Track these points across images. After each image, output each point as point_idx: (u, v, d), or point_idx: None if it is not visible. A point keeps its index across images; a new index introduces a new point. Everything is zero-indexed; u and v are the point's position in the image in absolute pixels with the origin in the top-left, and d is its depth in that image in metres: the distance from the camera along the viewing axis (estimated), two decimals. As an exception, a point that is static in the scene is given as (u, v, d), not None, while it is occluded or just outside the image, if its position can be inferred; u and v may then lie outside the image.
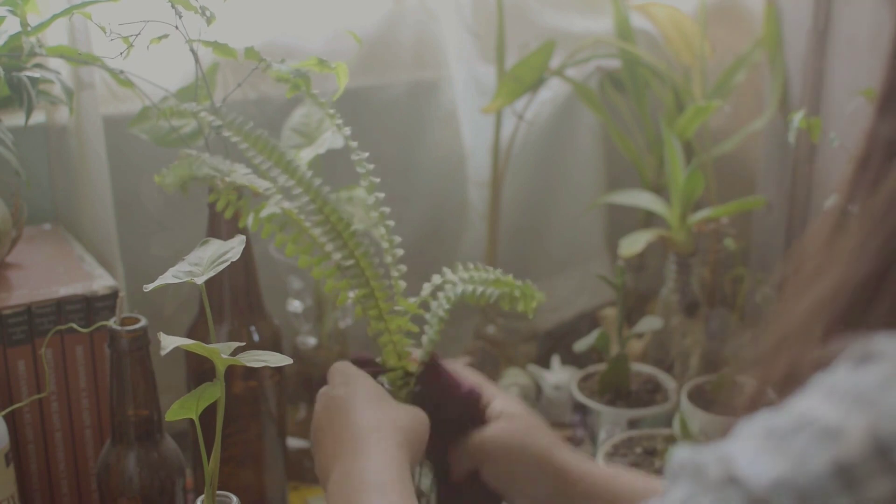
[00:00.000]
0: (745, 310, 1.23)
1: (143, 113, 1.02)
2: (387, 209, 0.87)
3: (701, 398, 1.15)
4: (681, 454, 0.47)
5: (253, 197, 0.90)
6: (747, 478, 0.43)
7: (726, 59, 1.32)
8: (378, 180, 0.87)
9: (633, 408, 1.15)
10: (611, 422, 1.14)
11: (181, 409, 0.75)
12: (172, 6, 0.92)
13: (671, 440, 1.11)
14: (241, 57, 0.94)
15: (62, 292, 0.93)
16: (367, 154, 0.87)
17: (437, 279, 0.88)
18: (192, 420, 0.75)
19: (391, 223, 0.87)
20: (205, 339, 0.76)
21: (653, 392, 1.19)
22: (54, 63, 1.04)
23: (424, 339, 0.88)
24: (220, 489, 0.78)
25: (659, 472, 1.07)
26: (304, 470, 1.18)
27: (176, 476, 0.87)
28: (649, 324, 1.20)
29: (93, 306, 0.94)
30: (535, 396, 1.24)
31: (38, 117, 1.10)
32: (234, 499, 0.79)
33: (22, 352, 0.92)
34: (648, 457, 1.10)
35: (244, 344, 0.76)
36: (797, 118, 1.01)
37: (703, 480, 0.44)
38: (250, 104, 1.17)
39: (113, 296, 0.94)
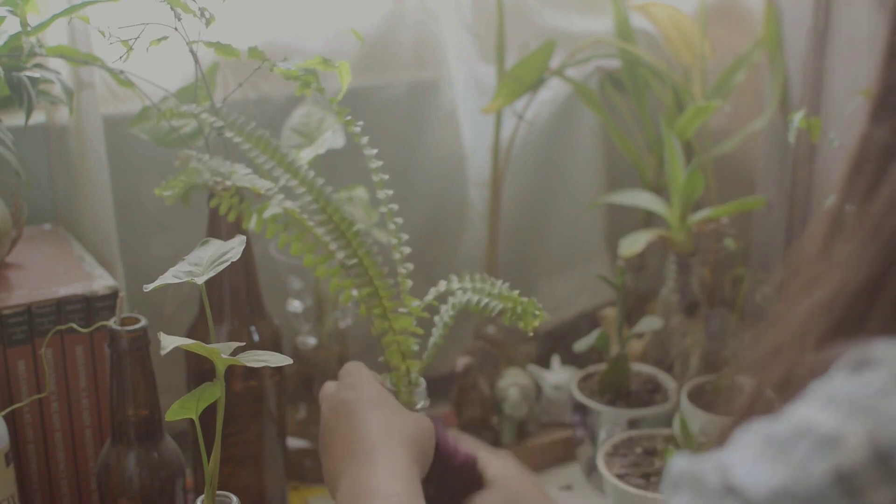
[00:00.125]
0: (745, 310, 1.23)
1: (143, 113, 1.02)
2: (395, 206, 0.87)
3: (701, 398, 1.15)
4: (679, 464, 0.46)
5: (255, 198, 0.90)
6: (746, 487, 0.42)
7: (726, 59, 1.32)
8: (387, 177, 0.87)
9: (633, 408, 1.15)
10: (611, 422, 1.14)
11: (181, 409, 0.75)
12: (171, 8, 0.92)
13: (671, 440, 1.11)
14: (245, 57, 0.94)
15: (62, 292, 0.93)
16: (376, 150, 0.87)
17: (443, 285, 0.88)
18: (192, 420, 0.75)
19: (399, 220, 0.87)
20: (205, 339, 0.76)
21: (653, 392, 1.19)
22: (54, 63, 1.04)
23: (430, 342, 0.88)
24: (220, 489, 0.78)
25: (659, 472, 1.08)
26: (304, 470, 1.18)
27: (176, 476, 0.87)
28: (649, 324, 1.20)
29: (93, 306, 0.94)
30: (535, 396, 1.24)
31: (38, 117, 1.10)
32: (234, 499, 0.79)
33: (22, 352, 0.92)
34: (648, 457, 1.10)
35: (244, 344, 0.76)
36: (797, 118, 1.01)
37: (702, 490, 0.44)
38: (250, 104, 1.17)
39: (113, 296, 0.94)
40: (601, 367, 1.19)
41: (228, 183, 0.89)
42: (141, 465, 0.85)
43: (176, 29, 0.93)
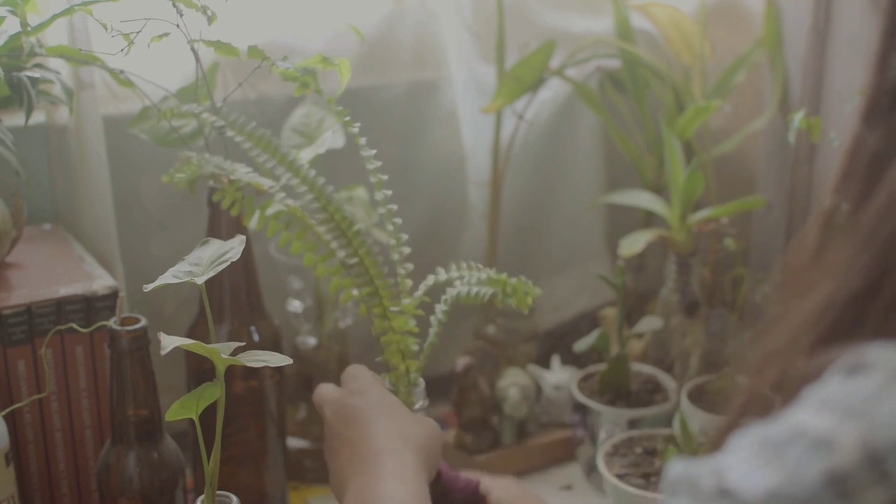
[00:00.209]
0: (745, 310, 1.23)
1: (143, 113, 1.02)
2: (394, 206, 0.87)
3: (701, 398, 1.15)
4: (676, 468, 0.47)
5: (256, 196, 0.90)
6: (740, 489, 0.43)
7: (726, 59, 1.32)
8: (386, 177, 0.87)
9: (633, 408, 1.15)
10: (611, 422, 1.14)
11: (181, 409, 0.75)
12: (174, 5, 0.92)
13: (671, 440, 1.11)
14: (244, 56, 0.94)
15: (62, 292, 0.93)
16: (374, 151, 0.87)
17: (430, 279, 0.88)
18: (192, 420, 0.75)
19: (399, 221, 0.87)
20: (205, 339, 0.76)
21: (653, 392, 1.19)
22: (54, 63, 1.04)
23: (426, 340, 0.88)
24: (220, 489, 0.78)
25: (659, 472, 1.08)
26: (304, 470, 1.18)
27: (176, 476, 0.87)
28: (649, 324, 1.20)
29: (93, 306, 0.94)
30: (535, 396, 1.24)
31: (38, 117, 1.10)
32: (234, 499, 0.79)
33: (22, 352, 0.92)
34: (648, 457, 1.10)
35: (244, 344, 0.76)
36: (797, 118, 1.01)
37: (698, 494, 0.44)
38: (250, 104, 1.17)
39: (113, 296, 0.94)
40: (601, 367, 1.19)
41: (232, 177, 0.89)
42: (141, 465, 0.85)
43: (178, 26, 0.93)
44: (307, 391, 1.20)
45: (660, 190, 1.32)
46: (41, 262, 1.01)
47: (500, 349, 1.28)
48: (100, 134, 1.05)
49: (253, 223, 0.87)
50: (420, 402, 0.88)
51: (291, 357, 0.78)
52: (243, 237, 0.79)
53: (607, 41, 1.30)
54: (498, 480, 0.88)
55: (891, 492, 0.40)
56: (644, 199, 1.28)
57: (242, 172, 0.89)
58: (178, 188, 0.93)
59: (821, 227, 0.50)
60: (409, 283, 0.87)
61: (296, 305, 1.18)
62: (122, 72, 0.99)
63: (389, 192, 0.87)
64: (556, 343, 1.35)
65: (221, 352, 0.73)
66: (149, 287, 0.75)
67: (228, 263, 0.76)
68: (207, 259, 0.77)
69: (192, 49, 0.95)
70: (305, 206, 0.86)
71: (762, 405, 0.49)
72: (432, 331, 0.88)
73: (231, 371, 0.96)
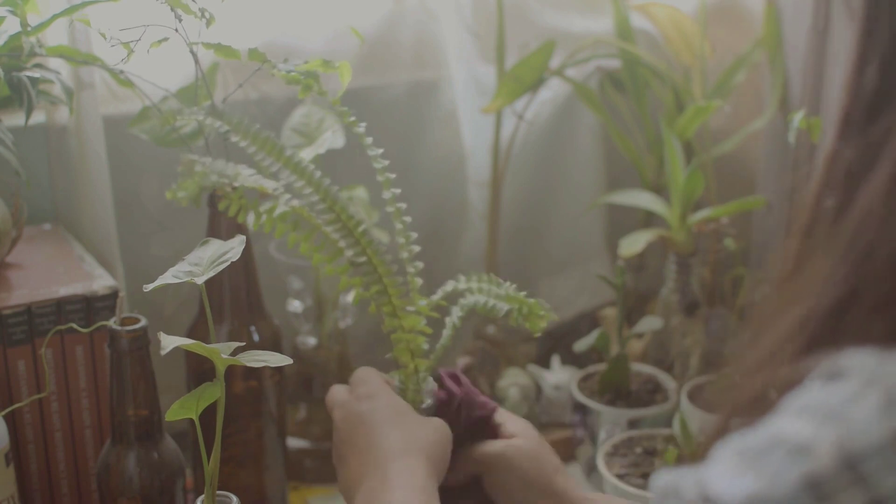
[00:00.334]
0: (745, 310, 1.23)
1: (143, 113, 1.02)
2: (403, 205, 0.87)
3: (701, 398, 1.15)
4: (662, 478, 0.47)
5: (260, 198, 0.90)
6: (722, 497, 0.43)
7: (726, 59, 1.32)
8: (393, 176, 0.87)
9: (633, 408, 1.15)
10: (611, 422, 1.14)
11: (181, 409, 0.75)
12: (172, 10, 0.92)
13: (671, 440, 1.11)
14: (245, 58, 0.94)
15: (62, 292, 0.93)
16: (381, 150, 0.87)
17: (450, 285, 0.89)
18: (192, 420, 0.75)
19: (408, 219, 0.87)
20: (205, 339, 0.76)
21: (653, 392, 1.19)
22: (54, 63, 1.04)
23: (438, 342, 0.88)
24: (220, 489, 0.78)
25: (664, 469, 1.07)
26: (304, 470, 1.18)
27: (176, 476, 0.87)
28: (649, 324, 1.20)
29: (93, 306, 0.94)
30: (535, 396, 1.24)
31: (38, 117, 1.10)
32: (234, 499, 0.79)
33: (22, 352, 0.92)
34: (648, 457, 1.10)
35: (244, 344, 0.76)
36: (797, 118, 1.01)
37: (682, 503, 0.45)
38: (251, 104, 1.17)
39: (113, 296, 0.94)
40: (601, 367, 1.19)
41: (236, 184, 0.89)
42: (141, 465, 0.85)
43: (176, 30, 0.93)
44: (307, 391, 1.20)
45: (660, 190, 1.32)
46: (41, 262, 1.01)
47: (500, 349, 1.28)
48: (100, 134, 1.05)
49: (257, 224, 0.87)
50: (428, 401, 0.88)
51: (291, 357, 0.78)
52: (243, 237, 0.79)
53: (607, 41, 1.30)
54: (514, 417, 0.89)
55: (867, 494, 0.41)
56: (644, 199, 1.28)
57: (245, 177, 0.89)
58: (184, 203, 0.93)
59: (801, 238, 0.51)
60: (419, 281, 0.87)
61: (296, 305, 1.18)
62: (122, 72, 0.99)
63: (398, 191, 0.87)
64: (556, 343, 1.35)
65: (221, 352, 0.73)
66: (149, 287, 0.75)
67: (228, 263, 0.76)
68: (207, 259, 0.77)
69: (192, 52, 0.95)
70: (311, 207, 0.86)
71: (747, 414, 0.49)
72: (446, 333, 0.89)
73: (231, 371, 0.96)
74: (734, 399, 0.51)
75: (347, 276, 0.86)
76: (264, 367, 0.87)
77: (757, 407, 0.48)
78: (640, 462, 1.09)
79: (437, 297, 0.88)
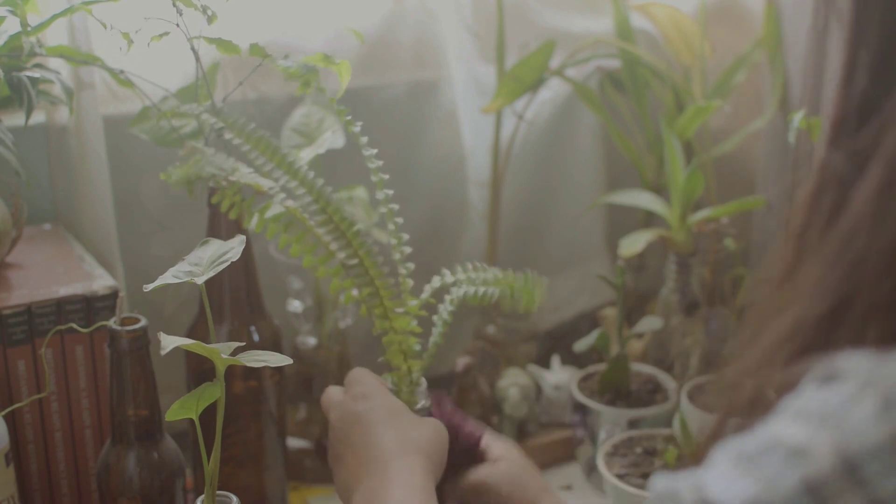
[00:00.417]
0: (744, 310, 1.23)
1: (143, 113, 1.02)
2: (395, 206, 0.87)
3: (701, 398, 1.15)
4: (659, 483, 0.47)
5: (256, 196, 0.90)
6: (719, 500, 0.43)
7: (726, 59, 1.32)
8: (387, 177, 0.87)
9: (633, 408, 1.15)
10: (611, 422, 1.14)
11: (181, 409, 0.75)
12: (174, 4, 0.92)
13: (671, 440, 1.11)
14: (245, 53, 0.94)
15: (62, 292, 0.93)
16: (375, 151, 0.87)
17: (436, 281, 0.88)
18: (192, 420, 0.75)
19: (400, 220, 0.87)
20: (205, 339, 0.76)
21: (653, 392, 1.19)
22: (54, 63, 1.04)
23: (430, 341, 0.88)
24: (220, 489, 0.78)
25: (660, 471, 1.07)
26: (304, 470, 1.18)
27: (176, 476, 0.87)
28: (649, 324, 1.20)
29: (93, 306, 0.94)
30: (535, 396, 1.24)
31: (38, 117, 1.10)
32: (234, 499, 0.79)
33: (22, 352, 0.92)
34: (648, 457, 1.10)
35: (244, 344, 0.76)
36: (797, 118, 1.01)
37: None
38: (250, 104, 1.17)
39: (113, 296, 0.94)
40: (601, 367, 1.19)
41: (232, 178, 0.89)
42: (141, 465, 0.85)
43: (177, 25, 0.93)
44: (307, 391, 1.20)
45: (660, 190, 1.32)
46: (41, 262, 1.01)
47: (500, 349, 1.28)
48: (100, 134, 1.05)
49: (252, 225, 0.87)
50: (422, 402, 0.88)
51: (291, 357, 0.78)
52: (243, 237, 0.79)
53: (607, 41, 1.30)
54: (499, 440, 0.88)
55: (867, 497, 0.41)
56: (644, 199, 1.28)
57: (242, 173, 0.89)
58: (176, 188, 0.93)
59: (794, 243, 0.51)
60: (411, 283, 0.87)
61: (296, 305, 1.18)
62: (122, 72, 0.99)
63: (391, 192, 0.87)
64: (556, 343, 1.35)
65: (221, 352, 0.73)
66: (149, 287, 0.75)
67: (228, 263, 0.76)
68: (207, 259, 0.77)
69: (192, 48, 0.95)
70: (305, 208, 0.86)
71: (744, 416, 0.49)
72: (437, 331, 0.88)
73: (231, 371, 0.96)
74: (731, 401, 0.51)
75: (339, 279, 0.86)
76: (264, 367, 0.87)
77: (754, 408, 0.48)
78: (640, 462, 1.09)
79: (425, 294, 0.87)
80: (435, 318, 0.89)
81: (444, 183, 1.31)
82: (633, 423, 1.14)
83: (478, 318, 1.31)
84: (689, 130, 1.24)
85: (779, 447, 0.43)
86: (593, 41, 1.29)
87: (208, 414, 0.76)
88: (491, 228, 1.30)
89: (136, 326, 0.83)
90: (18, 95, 0.92)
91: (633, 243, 1.20)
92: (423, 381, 0.88)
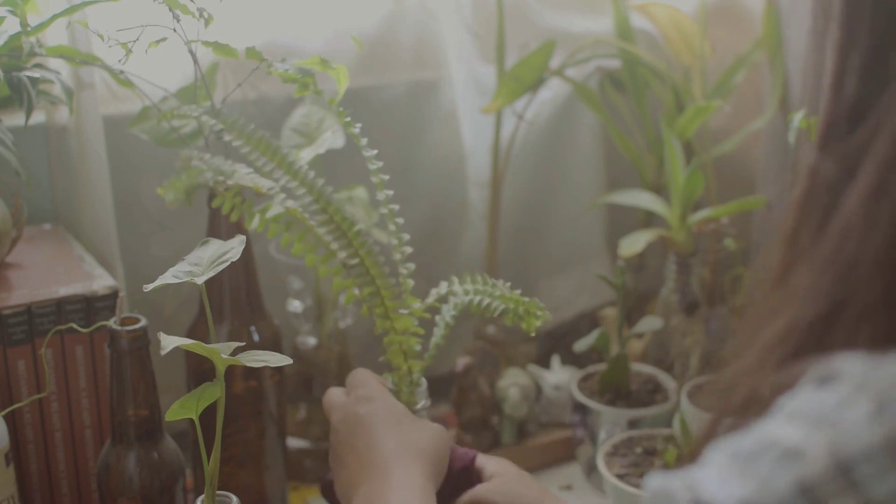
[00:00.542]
0: (745, 310, 1.23)
1: (143, 113, 1.02)
2: (396, 206, 0.87)
3: (701, 398, 1.15)
4: (653, 482, 0.47)
5: (256, 197, 0.90)
6: (713, 501, 0.43)
7: (726, 59, 1.32)
8: (387, 177, 0.87)
9: (633, 408, 1.15)
10: (611, 422, 1.14)
11: (181, 409, 0.75)
12: (170, 10, 0.92)
13: (671, 440, 1.11)
14: (243, 57, 0.94)
15: (62, 292, 0.93)
16: (375, 151, 0.87)
17: (444, 286, 0.88)
18: (192, 420, 0.75)
19: (401, 220, 0.87)
20: (205, 339, 0.76)
21: (653, 392, 1.19)
22: (54, 63, 1.04)
23: (431, 341, 0.88)
24: (220, 489, 0.78)
25: (659, 471, 1.07)
26: (304, 470, 1.18)
27: (176, 476, 0.87)
28: (649, 324, 1.20)
29: (93, 306, 0.94)
30: (535, 396, 1.24)
31: (38, 117, 1.10)
32: (234, 499, 0.79)
33: (22, 352, 0.92)
34: (648, 457, 1.10)
35: (244, 344, 0.76)
36: (797, 118, 1.01)
37: None
38: (250, 104, 1.17)
39: (113, 296, 0.94)
40: (601, 367, 1.19)
41: (231, 182, 0.89)
42: (141, 465, 0.85)
43: (175, 30, 0.93)
44: (307, 391, 1.20)
45: (660, 190, 1.32)
46: (41, 262, 1.01)
47: (500, 349, 1.28)
48: (100, 134, 1.04)
49: (253, 226, 0.88)
50: (423, 402, 0.88)
51: (291, 357, 0.78)
52: (243, 237, 0.79)
53: (607, 41, 1.31)
54: (493, 458, 0.88)
55: (860, 499, 0.41)
56: (644, 199, 1.28)
57: (242, 175, 0.89)
58: (173, 206, 0.93)
59: (786, 247, 0.51)
60: (411, 283, 0.87)
61: (296, 305, 1.18)
62: (122, 72, 0.99)
63: (391, 193, 0.87)
64: (556, 343, 1.35)
65: (221, 352, 0.73)
66: (149, 287, 0.75)
67: (228, 263, 0.76)
68: (207, 259, 0.77)
69: (191, 52, 0.95)
70: (305, 208, 0.86)
71: (740, 416, 0.50)
72: (438, 332, 0.88)
73: (231, 371, 0.96)
74: (726, 401, 0.51)
75: (341, 278, 0.86)
76: (264, 367, 0.87)
77: (750, 409, 0.48)
78: (640, 462, 1.09)
79: (430, 299, 0.88)
80: (437, 318, 0.89)
81: (444, 183, 1.31)
82: (633, 423, 1.14)
83: (478, 319, 1.31)
84: (689, 130, 1.24)
85: (773, 448, 0.43)
86: (593, 41, 1.29)
87: (208, 414, 0.76)
88: (491, 228, 1.30)
89: (136, 326, 0.83)
90: (18, 95, 0.92)
91: (633, 243, 1.20)
92: (424, 382, 0.88)
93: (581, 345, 1.17)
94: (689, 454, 0.52)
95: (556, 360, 1.28)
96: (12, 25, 0.95)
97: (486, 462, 0.87)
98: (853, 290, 0.45)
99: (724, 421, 0.51)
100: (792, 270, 0.49)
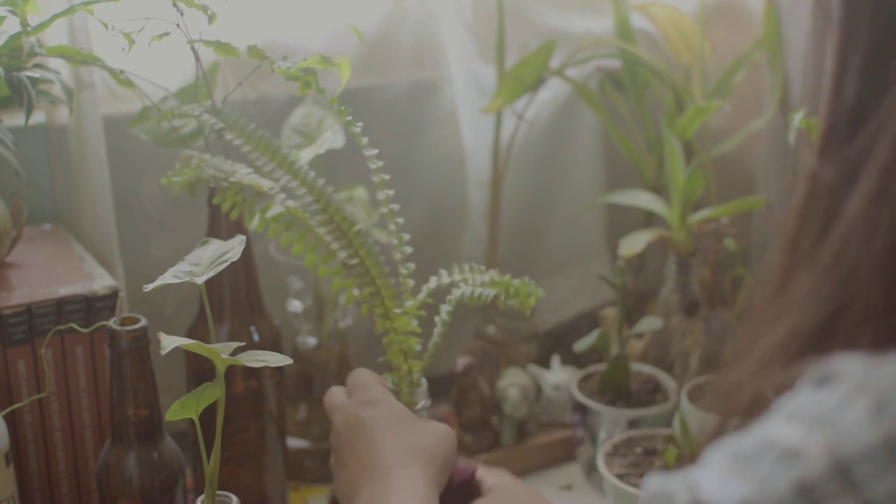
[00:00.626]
0: (744, 313, 1.23)
1: (143, 113, 1.02)
2: (396, 206, 0.87)
3: (701, 398, 1.15)
4: (653, 483, 0.48)
5: (256, 197, 0.90)
6: (712, 501, 0.43)
7: (726, 59, 1.32)
8: (388, 177, 0.87)
9: (633, 408, 1.15)
10: (611, 422, 1.14)
11: (181, 409, 0.75)
12: (174, 4, 0.92)
13: (671, 440, 1.11)
14: (244, 56, 0.94)
15: (62, 292, 0.93)
16: (376, 151, 0.87)
17: (433, 281, 0.88)
18: (192, 420, 0.75)
19: (401, 220, 0.87)
20: (205, 339, 0.76)
21: (653, 392, 1.19)
22: (54, 63, 1.04)
23: (430, 341, 0.88)
24: (220, 489, 0.78)
25: (659, 472, 1.07)
26: (304, 470, 1.18)
27: (176, 476, 0.87)
28: (649, 324, 1.20)
29: (93, 306, 0.94)
30: (535, 396, 1.24)
31: (38, 117, 1.10)
32: (234, 499, 0.79)
33: (22, 352, 0.92)
34: (648, 457, 1.10)
35: (244, 344, 0.76)
36: (797, 118, 1.01)
37: None
38: (250, 104, 1.17)
39: (113, 296, 0.94)
40: (601, 367, 1.19)
41: (232, 179, 0.89)
42: (141, 465, 0.85)
43: (178, 26, 0.93)
44: (307, 391, 1.20)
45: (660, 190, 1.32)
46: (41, 262, 1.01)
47: (500, 349, 1.28)
48: (100, 134, 1.05)
49: (253, 225, 0.87)
50: (423, 402, 0.88)
51: (291, 357, 0.78)
52: (243, 237, 0.79)
53: (607, 41, 1.31)
54: (493, 470, 0.88)
55: (858, 500, 0.41)
56: (644, 199, 1.28)
57: (242, 174, 0.89)
58: (179, 191, 0.93)
59: (787, 252, 0.51)
60: (411, 283, 0.87)
61: (296, 305, 1.18)
62: (122, 72, 0.99)
63: (391, 192, 0.87)
64: (556, 343, 1.35)
65: (221, 352, 0.73)
66: (149, 287, 0.75)
67: (228, 263, 0.76)
68: (207, 259, 0.77)
69: (192, 49, 0.95)
70: (305, 208, 0.86)
71: (741, 416, 0.50)
72: (436, 331, 0.88)
73: (231, 371, 0.96)
74: (730, 404, 0.51)
75: (341, 278, 0.86)
76: (264, 367, 0.87)
77: (753, 412, 0.48)
78: (640, 462, 1.09)
79: (422, 295, 0.87)
80: (436, 318, 0.89)
81: (444, 183, 1.31)
82: (633, 423, 1.14)
83: (478, 318, 1.31)
84: (689, 130, 1.24)
85: (772, 448, 0.43)
86: (593, 41, 1.29)
87: (208, 414, 0.76)
88: (491, 228, 1.30)
89: (136, 326, 0.83)
90: (18, 95, 0.92)
91: (633, 243, 1.20)
92: (424, 382, 0.88)
93: (581, 345, 1.17)
94: (690, 455, 0.52)
95: (556, 360, 1.28)
96: (12, 25, 0.95)
97: (485, 475, 0.87)
98: (854, 295, 0.45)
99: (728, 419, 0.51)
100: (793, 276, 0.49)
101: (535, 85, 1.25)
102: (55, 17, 0.95)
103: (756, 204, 1.25)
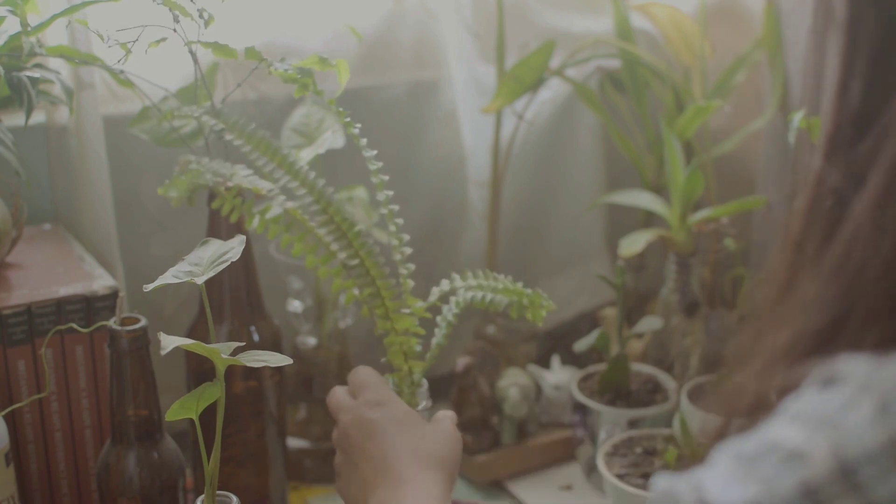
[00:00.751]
0: (744, 315, 1.23)
1: (143, 113, 1.02)
2: (396, 207, 0.87)
3: (701, 398, 1.15)
4: (659, 484, 0.48)
5: (256, 198, 0.90)
6: (718, 503, 0.43)
7: (726, 59, 1.32)
8: (387, 178, 0.87)
9: (633, 408, 1.15)
10: (611, 422, 1.14)
11: (181, 409, 0.75)
12: (170, 11, 0.92)
13: (671, 440, 1.11)
14: (242, 57, 0.94)
15: (62, 292, 0.93)
16: (375, 151, 0.87)
17: (445, 284, 0.88)
18: (192, 420, 0.75)
19: (401, 221, 0.87)
20: (205, 339, 0.76)
21: (653, 392, 1.19)
22: (54, 63, 1.04)
23: (433, 341, 0.88)
24: (220, 489, 0.78)
25: (659, 471, 1.07)
26: (304, 470, 1.18)
27: (176, 476, 0.87)
28: (649, 324, 1.20)
29: (93, 306, 0.94)
30: (535, 396, 1.24)
31: (38, 117, 1.10)
32: (234, 499, 0.79)
33: (22, 352, 0.92)
34: (648, 457, 1.10)
35: (244, 344, 0.76)
36: (797, 118, 1.01)
37: None
38: (250, 104, 1.17)
39: (113, 296, 0.94)
40: (601, 367, 1.19)
41: (230, 184, 0.89)
42: (141, 465, 0.85)
43: (175, 30, 0.93)
44: (307, 391, 1.20)
45: (660, 190, 1.32)
46: (41, 262, 1.01)
47: (500, 349, 1.28)
48: (100, 134, 1.05)
49: (253, 226, 0.88)
50: (424, 403, 0.88)
51: (291, 357, 0.78)
52: (243, 237, 0.79)
53: (607, 41, 1.30)
54: None
55: (862, 501, 0.41)
56: (644, 199, 1.28)
57: (241, 177, 0.89)
58: (177, 204, 0.93)
59: (791, 255, 0.50)
60: (412, 283, 0.87)
61: (296, 305, 1.18)
62: (122, 72, 0.99)
63: (391, 193, 0.87)
64: (556, 343, 1.35)
65: (221, 352, 0.73)
66: (149, 287, 0.75)
67: (228, 263, 0.76)
68: (207, 259, 0.77)
69: (191, 52, 0.95)
70: (305, 208, 0.86)
71: (746, 417, 0.50)
72: (440, 332, 0.88)
73: (231, 371, 0.96)
74: (732, 403, 0.51)
75: (341, 279, 0.86)
76: (264, 367, 0.87)
77: (758, 414, 0.48)
78: (640, 462, 1.09)
79: (433, 297, 0.87)
80: (438, 319, 0.89)
81: (444, 183, 1.31)
82: (633, 423, 1.14)
83: (478, 318, 1.31)
84: (689, 130, 1.24)
85: (777, 450, 0.43)
86: (593, 41, 1.29)
87: (208, 414, 0.76)
88: (491, 228, 1.30)
89: (136, 326, 0.83)
90: (18, 95, 0.92)
91: (633, 243, 1.20)
92: (425, 382, 0.88)
93: (581, 345, 1.17)
94: (690, 455, 0.52)
95: (556, 360, 1.28)
96: (12, 25, 0.95)
97: None
98: (860, 297, 0.45)
99: (732, 420, 0.51)
100: (797, 279, 0.49)
101: (535, 85, 1.25)
102: (55, 17, 0.95)
103: (756, 204, 1.25)
